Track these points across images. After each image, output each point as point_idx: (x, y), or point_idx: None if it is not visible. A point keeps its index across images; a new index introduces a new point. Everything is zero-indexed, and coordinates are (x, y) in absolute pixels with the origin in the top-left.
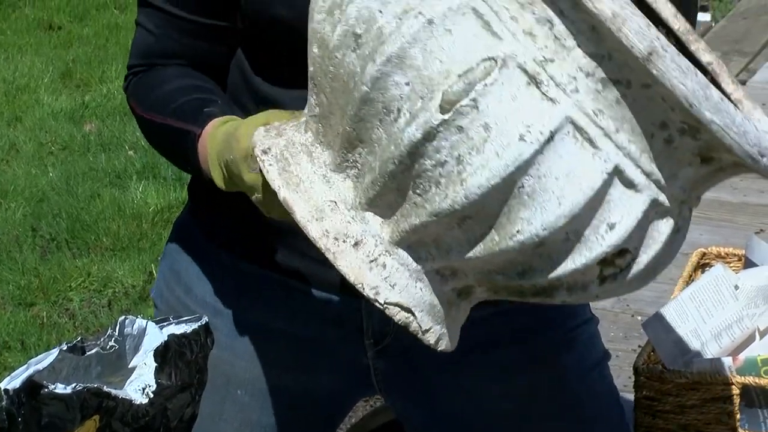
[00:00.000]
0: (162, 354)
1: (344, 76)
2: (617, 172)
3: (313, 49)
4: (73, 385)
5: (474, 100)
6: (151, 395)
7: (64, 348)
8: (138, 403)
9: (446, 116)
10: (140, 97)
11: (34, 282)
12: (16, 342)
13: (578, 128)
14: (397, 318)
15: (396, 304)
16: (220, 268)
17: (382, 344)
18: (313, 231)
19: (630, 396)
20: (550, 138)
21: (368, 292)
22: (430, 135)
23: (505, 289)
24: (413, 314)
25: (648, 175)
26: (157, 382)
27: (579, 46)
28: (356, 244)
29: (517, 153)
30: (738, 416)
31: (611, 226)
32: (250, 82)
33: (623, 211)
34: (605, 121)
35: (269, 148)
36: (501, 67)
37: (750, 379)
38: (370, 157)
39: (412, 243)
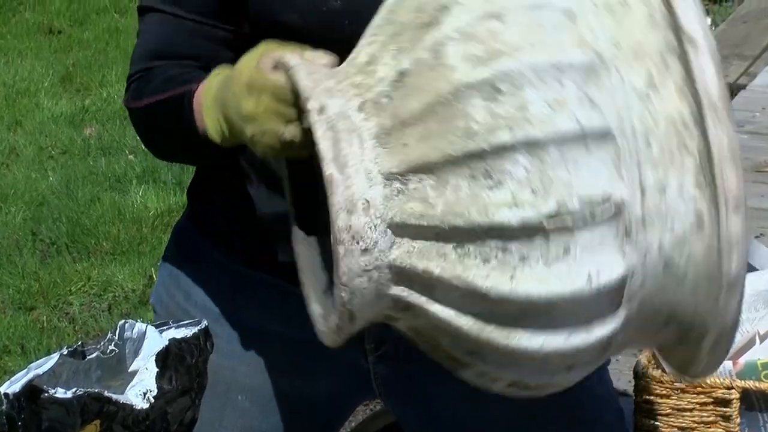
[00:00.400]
0: (163, 358)
1: (460, 114)
2: None
3: (424, 55)
4: (74, 389)
5: (577, 225)
6: (152, 400)
7: (65, 352)
8: (139, 408)
9: (545, 222)
10: (138, 92)
11: (34, 286)
12: (16, 346)
13: (622, 284)
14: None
15: (349, 312)
16: (218, 272)
17: (382, 349)
18: (340, 220)
19: (630, 399)
20: (606, 287)
21: (342, 294)
22: (521, 226)
23: (439, 350)
24: (348, 318)
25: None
26: (158, 387)
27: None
28: (365, 250)
29: (577, 289)
30: (738, 420)
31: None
32: None
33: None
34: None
35: (324, 108)
36: (615, 213)
37: (750, 383)
38: (433, 193)
39: (410, 276)
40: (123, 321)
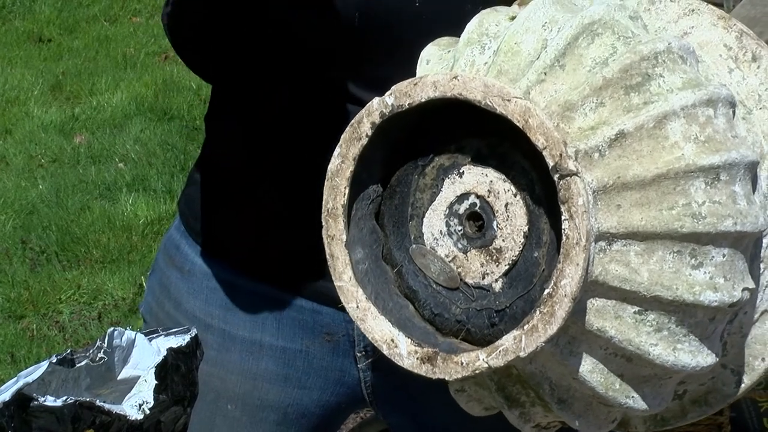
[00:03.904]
0: (162, 370)
1: (681, 192)
2: None
3: (647, 122)
4: (64, 398)
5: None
6: (147, 411)
7: (54, 360)
8: (133, 418)
9: (727, 308)
10: None
11: (23, 294)
12: (5, 354)
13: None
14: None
15: None
16: (208, 281)
17: (374, 356)
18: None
19: None
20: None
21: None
22: (713, 308)
23: (515, 386)
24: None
25: None
26: (154, 398)
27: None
28: None
29: (709, 363)
30: (729, 428)
31: None
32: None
33: None
34: None
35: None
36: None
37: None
38: (637, 259)
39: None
40: (112, 329)
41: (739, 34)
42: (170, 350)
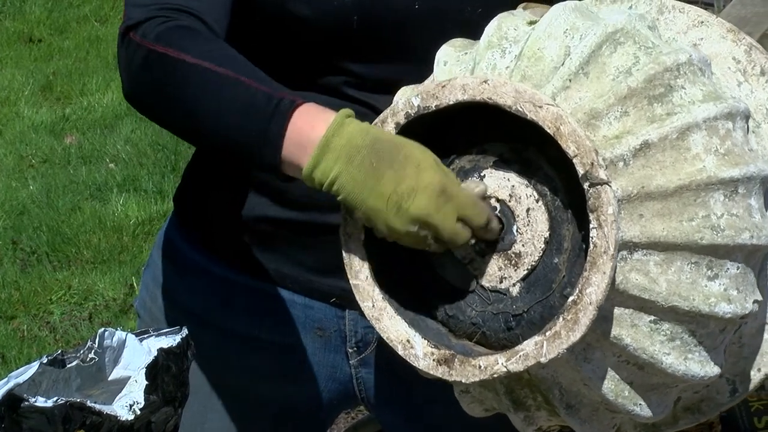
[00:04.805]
0: (152, 371)
1: (701, 203)
2: None
3: (670, 133)
4: (54, 398)
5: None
6: (138, 412)
7: (44, 361)
8: (124, 419)
9: (739, 319)
10: (181, 41)
11: (14, 295)
12: None
13: None
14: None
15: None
16: (203, 277)
17: (366, 353)
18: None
19: None
20: None
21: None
22: (725, 320)
23: (526, 389)
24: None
25: None
26: (144, 398)
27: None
28: None
29: (715, 373)
30: (719, 428)
31: None
32: None
33: None
34: None
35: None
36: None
37: None
38: (656, 269)
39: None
40: (102, 329)
41: (749, 47)
42: (161, 351)
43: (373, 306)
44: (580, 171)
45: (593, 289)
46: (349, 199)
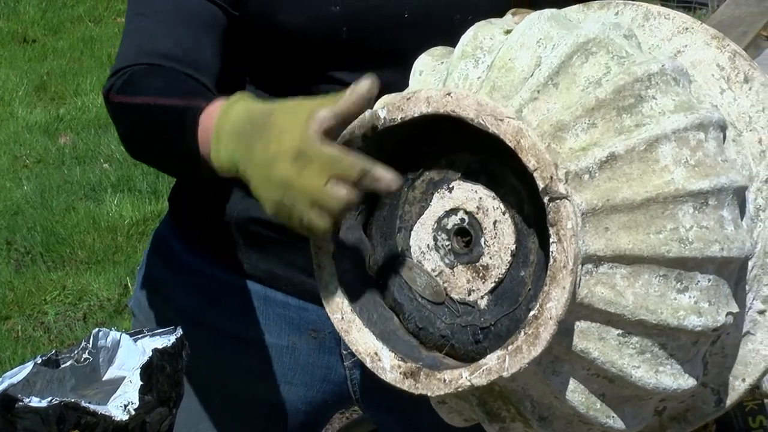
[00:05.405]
0: (147, 371)
1: (669, 216)
2: None
3: (638, 145)
4: (49, 398)
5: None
6: (132, 412)
7: (39, 361)
8: (118, 419)
9: (711, 332)
10: (129, 87)
11: (8, 295)
12: None
13: None
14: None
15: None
16: (197, 278)
17: None
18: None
19: None
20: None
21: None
22: (696, 333)
23: (496, 401)
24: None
25: None
26: (139, 398)
27: None
28: None
29: (691, 386)
30: (714, 428)
31: None
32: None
33: None
34: None
35: (555, 177)
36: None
37: None
38: (623, 282)
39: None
40: (97, 330)
41: (732, 54)
42: (156, 351)
43: (342, 318)
44: (540, 185)
45: (553, 303)
46: (243, 178)
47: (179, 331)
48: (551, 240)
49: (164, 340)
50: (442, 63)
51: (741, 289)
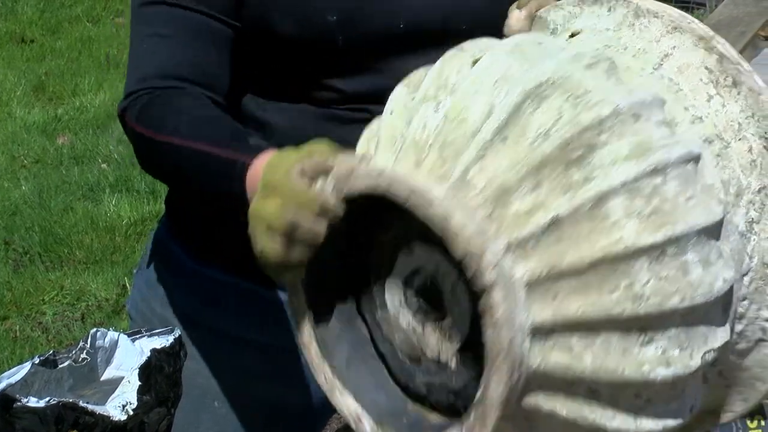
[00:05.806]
0: (145, 371)
1: (623, 273)
2: None
3: (583, 204)
4: (47, 399)
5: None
6: (131, 412)
7: (37, 361)
8: (117, 419)
9: (688, 377)
10: (145, 116)
11: (6, 296)
12: None
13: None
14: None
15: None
16: (195, 279)
17: None
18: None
19: None
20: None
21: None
22: (670, 383)
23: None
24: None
25: None
26: (137, 399)
27: None
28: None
29: (678, 424)
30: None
31: None
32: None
33: None
34: None
35: (486, 252)
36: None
37: None
38: (579, 344)
39: (530, 414)
40: (95, 330)
41: (720, 57)
42: (154, 351)
43: (325, 380)
44: (468, 274)
45: (494, 388)
46: None
47: (177, 332)
48: (484, 327)
49: (162, 340)
50: (413, 99)
51: (733, 312)
